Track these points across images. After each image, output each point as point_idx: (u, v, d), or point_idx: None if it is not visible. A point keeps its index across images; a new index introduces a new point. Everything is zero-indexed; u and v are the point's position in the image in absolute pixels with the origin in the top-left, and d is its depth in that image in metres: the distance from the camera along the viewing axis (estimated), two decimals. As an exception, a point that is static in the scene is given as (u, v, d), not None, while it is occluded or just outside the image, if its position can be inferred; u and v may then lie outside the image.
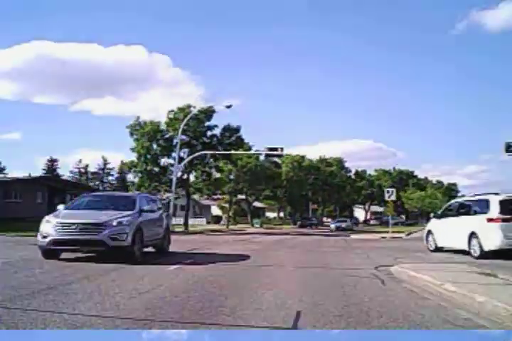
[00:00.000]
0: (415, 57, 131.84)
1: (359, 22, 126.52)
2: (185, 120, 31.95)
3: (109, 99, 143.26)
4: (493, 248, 11.30)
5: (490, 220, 11.44)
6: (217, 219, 64.87)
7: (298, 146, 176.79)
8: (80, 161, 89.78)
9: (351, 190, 69.60)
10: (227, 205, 57.08)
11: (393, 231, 29.28)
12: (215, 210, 71.24)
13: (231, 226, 46.91)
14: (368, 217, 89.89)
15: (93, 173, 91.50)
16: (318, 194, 61.85)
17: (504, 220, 11.21)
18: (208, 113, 35.54)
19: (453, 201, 15.63)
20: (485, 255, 11.38)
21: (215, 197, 55.68)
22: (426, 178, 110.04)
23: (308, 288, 7.16)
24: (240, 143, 37.22)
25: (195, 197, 56.97)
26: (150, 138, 33.96)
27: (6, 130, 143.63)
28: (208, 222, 60.32)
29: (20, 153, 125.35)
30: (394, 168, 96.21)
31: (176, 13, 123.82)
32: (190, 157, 32.76)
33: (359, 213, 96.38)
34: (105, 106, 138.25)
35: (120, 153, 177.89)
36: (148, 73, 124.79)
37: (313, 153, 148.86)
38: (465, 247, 12.24)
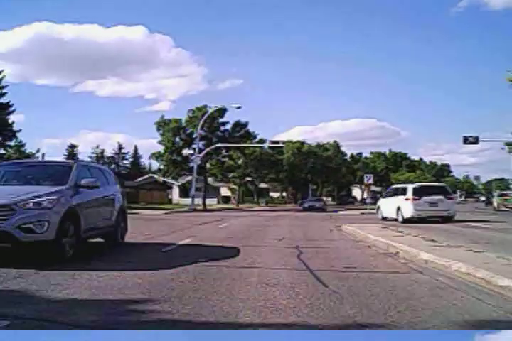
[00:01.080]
0: (417, 36, 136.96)
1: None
2: (203, 119, 39.23)
3: (112, 79, 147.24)
4: (408, 216, 18.70)
5: (407, 199, 18.85)
6: (226, 199, 72.76)
7: (300, 126, 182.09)
8: (97, 147, 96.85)
9: (347, 172, 76.91)
10: (235, 187, 64.75)
11: (371, 208, 36.69)
12: (224, 191, 78.95)
13: (240, 205, 54.57)
14: (365, 196, 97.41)
15: (108, 157, 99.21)
16: (317, 176, 69.29)
17: (414, 199, 18.61)
18: (221, 111, 42.77)
19: (392, 187, 23.13)
20: (405, 221, 18.74)
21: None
22: (420, 159, 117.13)
23: (292, 231, 14.59)
24: (247, 136, 44.56)
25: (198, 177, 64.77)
26: (174, 133, 41.37)
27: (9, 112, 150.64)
28: (218, 202, 68.01)
29: (23, 135, 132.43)
30: (390, 150, 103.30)
31: None
32: (207, 149, 40.13)
33: (356, 192, 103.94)
34: (108, 87, 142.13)
35: (123, 134, 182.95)
36: (150, 53, 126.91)
37: (315, 132, 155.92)
38: (395, 216, 19.65)
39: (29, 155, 43.47)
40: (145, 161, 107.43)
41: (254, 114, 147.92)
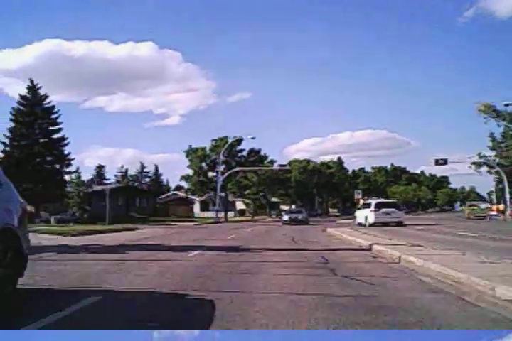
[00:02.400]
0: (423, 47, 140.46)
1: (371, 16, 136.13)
2: (224, 148, 48.71)
3: (122, 95, 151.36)
4: (371, 222, 27.74)
5: (371, 211, 27.91)
6: (242, 212, 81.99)
7: (309, 139, 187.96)
8: (122, 166, 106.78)
9: (349, 186, 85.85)
10: (250, 201, 74.00)
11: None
12: (240, 205, 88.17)
13: (255, 217, 63.68)
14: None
15: (132, 176, 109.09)
16: (322, 190, 78.40)
17: (375, 211, 27.67)
18: (239, 141, 52.31)
19: (363, 202, 32.30)
20: (370, 225, 27.70)
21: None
22: (422, 172, 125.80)
23: (291, 232, 23.71)
24: (260, 160, 54.00)
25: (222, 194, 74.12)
26: (200, 159, 50.96)
27: None
28: (235, 215, 77.21)
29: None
30: (392, 164, 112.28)
31: (184, 8, 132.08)
32: (228, 172, 49.53)
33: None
34: (117, 103, 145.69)
35: (132, 148, 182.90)
36: (160, 69, 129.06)
37: (324, 143, 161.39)
38: (364, 223, 28.67)
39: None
40: (164, 178, 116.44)
41: (262, 126, 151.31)
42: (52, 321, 4.26)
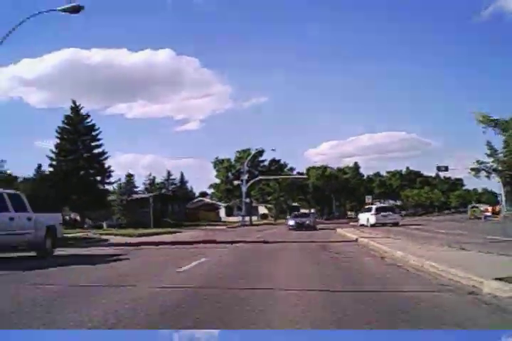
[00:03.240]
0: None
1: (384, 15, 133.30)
2: (248, 159, 54.95)
3: (141, 102, 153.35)
4: (372, 223, 33.59)
5: (372, 214, 33.76)
6: (264, 216, 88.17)
7: (328, 142, 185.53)
8: (150, 174, 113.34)
9: (364, 190, 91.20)
10: (272, 206, 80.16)
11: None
12: (262, 209, 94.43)
13: (277, 221, 69.74)
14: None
15: (158, 183, 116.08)
16: (339, 195, 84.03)
17: (376, 214, 33.54)
18: (260, 152, 58.57)
19: (365, 206, 38.11)
20: (371, 226, 33.48)
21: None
22: (437, 175, 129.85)
23: (307, 232, 29.61)
24: (280, 168, 60.16)
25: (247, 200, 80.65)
26: (227, 169, 57.34)
27: (42, 137, 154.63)
28: (257, 219, 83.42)
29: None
30: (407, 168, 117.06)
31: (200, 13, 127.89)
32: (251, 181, 55.73)
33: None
34: (137, 109, 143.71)
35: (152, 154, 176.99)
36: (177, 75, 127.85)
37: (344, 146, 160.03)
38: (366, 224, 34.52)
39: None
40: (189, 184, 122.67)
41: (280, 130, 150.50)
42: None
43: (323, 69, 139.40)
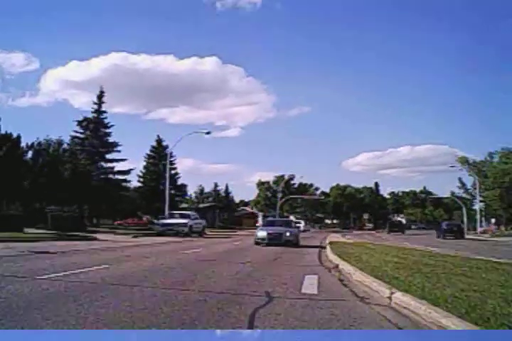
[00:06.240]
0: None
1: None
2: (282, 183, 74.75)
3: (183, 108, 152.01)
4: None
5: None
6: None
7: (367, 152, 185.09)
8: (200, 185, 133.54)
9: (379, 207, 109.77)
10: (300, 216, 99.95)
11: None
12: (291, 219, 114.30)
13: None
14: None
15: (206, 193, 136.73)
16: (355, 210, 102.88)
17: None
18: (292, 176, 78.61)
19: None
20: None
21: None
22: (453, 194, 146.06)
23: (320, 235, 48.90)
24: (308, 189, 79.86)
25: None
26: (266, 189, 77.31)
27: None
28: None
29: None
30: (424, 188, 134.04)
31: (247, 24, 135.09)
32: (283, 199, 75.50)
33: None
34: (179, 115, 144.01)
35: (191, 158, 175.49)
36: (222, 83, 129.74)
37: (383, 157, 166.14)
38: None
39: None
40: (233, 194, 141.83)
41: (321, 139, 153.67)
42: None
43: (370, 81, 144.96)
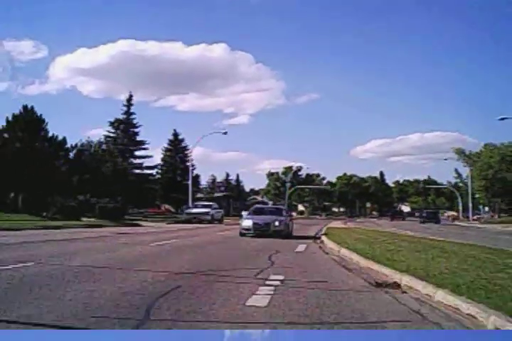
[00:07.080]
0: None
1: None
2: (290, 174, 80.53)
3: (193, 95, 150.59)
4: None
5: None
6: (301, 212, 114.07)
7: (377, 140, 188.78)
8: (212, 175, 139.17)
9: (383, 195, 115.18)
10: (307, 204, 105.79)
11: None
12: (300, 207, 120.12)
13: (310, 216, 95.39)
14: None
15: (218, 182, 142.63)
16: (360, 199, 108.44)
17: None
18: (300, 168, 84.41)
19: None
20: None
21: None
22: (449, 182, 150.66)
23: (323, 221, 54.75)
24: (315, 179, 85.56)
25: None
26: (275, 179, 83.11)
27: (93, 127, 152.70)
28: (296, 214, 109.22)
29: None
30: (429, 176, 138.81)
31: (257, 9, 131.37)
32: (292, 188, 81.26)
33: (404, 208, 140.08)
34: (189, 102, 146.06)
35: (200, 147, 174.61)
36: (231, 69, 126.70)
37: (393, 145, 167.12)
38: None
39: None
40: (243, 184, 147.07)
41: (331, 127, 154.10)
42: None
43: (380, 70, 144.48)
